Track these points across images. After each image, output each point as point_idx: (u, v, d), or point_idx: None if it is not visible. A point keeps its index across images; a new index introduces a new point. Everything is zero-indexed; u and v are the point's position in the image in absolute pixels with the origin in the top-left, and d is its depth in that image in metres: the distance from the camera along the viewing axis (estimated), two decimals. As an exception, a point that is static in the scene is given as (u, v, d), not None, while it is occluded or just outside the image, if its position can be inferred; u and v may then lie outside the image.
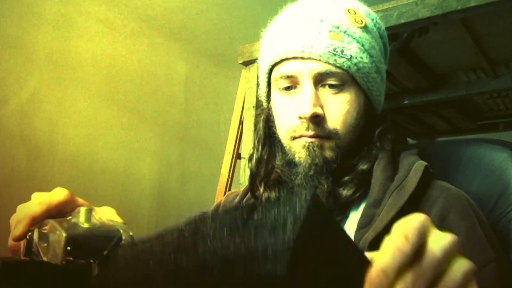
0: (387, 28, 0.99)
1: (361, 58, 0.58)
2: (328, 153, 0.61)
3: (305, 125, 0.60)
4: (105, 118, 2.74)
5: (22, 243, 0.55)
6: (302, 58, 0.59)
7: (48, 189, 0.62)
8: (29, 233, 0.54)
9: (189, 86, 3.42)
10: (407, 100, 1.64)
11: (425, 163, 0.63)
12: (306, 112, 0.59)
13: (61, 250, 0.49)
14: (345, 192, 0.61)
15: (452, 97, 1.57)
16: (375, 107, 0.66)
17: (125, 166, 2.86)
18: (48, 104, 2.41)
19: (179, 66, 3.06)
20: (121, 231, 0.53)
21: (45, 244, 0.51)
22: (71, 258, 0.49)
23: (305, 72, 0.59)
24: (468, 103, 1.77)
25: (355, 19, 0.60)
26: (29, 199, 0.60)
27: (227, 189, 1.82)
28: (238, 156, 1.74)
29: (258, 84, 0.75)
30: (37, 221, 0.52)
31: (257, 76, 0.89)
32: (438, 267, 0.29)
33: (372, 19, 0.67)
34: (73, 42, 2.57)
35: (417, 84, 1.53)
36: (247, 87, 1.63)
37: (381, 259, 0.29)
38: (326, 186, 0.60)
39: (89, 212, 0.54)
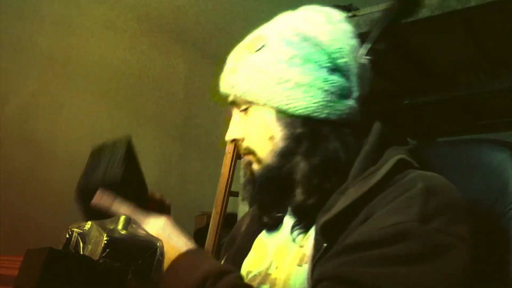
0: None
1: (248, 81, 0.64)
2: (255, 167, 0.68)
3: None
4: (105, 118, 2.75)
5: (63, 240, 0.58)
6: None
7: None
8: (69, 231, 0.57)
9: (189, 86, 3.42)
10: (407, 100, 1.64)
11: (401, 157, 0.61)
12: (226, 139, 0.70)
13: (100, 251, 0.51)
14: (298, 198, 0.64)
15: (452, 97, 1.57)
16: (307, 114, 0.64)
17: (125, 166, 2.86)
18: (48, 104, 2.42)
19: (179, 66, 3.06)
20: (158, 244, 0.56)
21: (83, 244, 0.54)
22: (107, 260, 0.51)
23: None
24: (468, 103, 1.77)
25: (250, 47, 0.67)
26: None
27: (227, 189, 1.82)
28: (238, 156, 1.75)
29: None
30: None
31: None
32: None
33: (296, 32, 0.66)
34: (73, 42, 2.57)
35: (417, 84, 1.53)
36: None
37: None
38: (270, 197, 0.66)
39: (128, 221, 0.58)
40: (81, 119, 2.60)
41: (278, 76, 0.63)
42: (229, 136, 0.70)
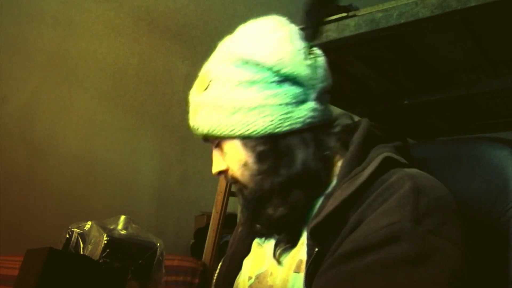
0: (387, 28, 1.00)
1: (207, 120, 0.66)
2: (245, 193, 0.69)
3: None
4: (105, 118, 2.75)
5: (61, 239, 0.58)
6: None
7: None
8: (69, 231, 0.57)
9: (189, 86, 3.42)
10: (407, 100, 1.64)
11: (387, 155, 0.60)
12: (213, 173, 0.72)
13: (100, 251, 0.51)
14: (272, 213, 0.65)
15: (452, 97, 1.57)
16: (269, 133, 0.64)
17: (125, 166, 2.86)
18: (48, 104, 2.42)
19: (179, 66, 3.06)
20: (158, 244, 0.56)
21: (83, 244, 0.55)
22: (107, 260, 0.51)
23: None
24: (468, 103, 1.77)
25: (200, 87, 0.69)
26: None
27: (227, 189, 1.82)
28: (238, 156, 1.74)
29: None
30: None
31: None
32: None
33: (235, 58, 0.66)
34: (73, 42, 2.57)
35: (417, 84, 1.53)
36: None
37: None
38: (262, 219, 0.67)
39: (128, 220, 0.58)
40: (81, 119, 2.60)
41: (231, 107, 0.64)
42: (214, 171, 0.72)
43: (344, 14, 1.06)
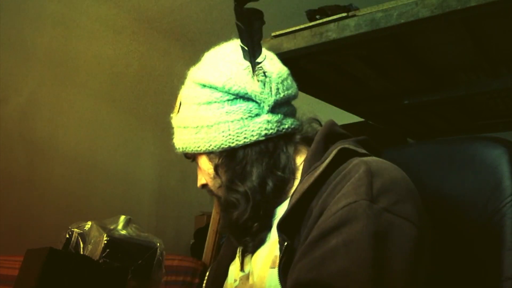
0: (387, 28, 1.00)
1: (180, 139, 0.75)
2: (220, 202, 0.75)
3: None
4: (105, 118, 2.75)
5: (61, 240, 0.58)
6: None
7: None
8: (69, 231, 0.57)
9: (189, 86, 3.42)
10: (407, 100, 1.64)
11: (343, 146, 0.64)
12: (198, 186, 0.79)
13: (100, 251, 0.52)
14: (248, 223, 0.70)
15: (452, 97, 1.57)
16: (227, 146, 0.70)
17: (125, 166, 2.86)
18: (48, 104, 2.42)
19: (179, 66, 3.06)
20: (157, 244, 0.57)
21: (83, 244, 0.55)
22: (107, 260, 0.52)
23: None
24: (468, 103, 1.77)
25: (175, 110, 0.79)
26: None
27: (227, 189, 1.81)
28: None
29: None
30: None
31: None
32: None
33: (196, 84, 0.74)
34: (73, 42, 2.57)
35: (417, 84, 1.53)
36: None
37: None
38: (231, 225, 0.71)
39: (128, 220, 0.58)
40: (81, 119, 2.60)
41: (194, 126, 0.72)
42: (198, 184, 0.79)
43: (344, 14, 1.06)
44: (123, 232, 0.56)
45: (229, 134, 0.69)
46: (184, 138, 0.74)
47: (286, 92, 0.72)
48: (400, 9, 0.98)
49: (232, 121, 0.69)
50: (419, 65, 1.35)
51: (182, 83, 0.78)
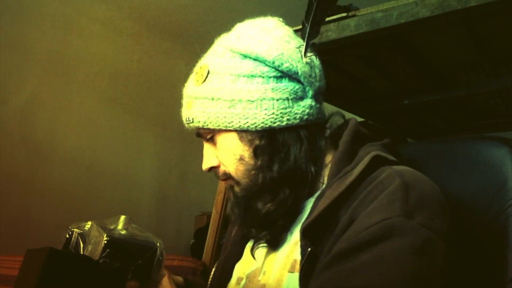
0: (387, 28, 0.99)
1: (203, 112, 0.66)
2: (237, 189, 0.69)
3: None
4: (105, 118, 2.75)
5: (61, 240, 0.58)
6: None
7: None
8: (69, 231, 0.57)
9: (189, 86, 3.42)
10: (407, 100, 1.64)
11: (376, 153, 0.61)
12: (203, 169, 0.71)
13: (100, 251, 0.52)
14: (263, 208, 0.65)
15: (452, 97, 1.57)
16: (268, 126, 0.65)
17: (125, 166, 2.86)
18: (48, 104, 2.42)
19: (179, 66, 3.06)
20: (158, 244, 0.56)
21: (83, 244, 0.55)
22: (107, 260, 0.52)
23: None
24: (468, 103, 1.77)
25: (197, 79, 0.68)
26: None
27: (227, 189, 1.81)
28: (238, 156, 1.74)
29: None
30: None
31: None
32: None
33: (233, 53, 0.67)
34: (73, 42, 2.57)
35: (417, 84, 1.53)
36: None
37: None
38: (251, 219, 0.66)
39: (128, 221, 0.58)
40: (81, 119, 2.60)
41: (229, 99, 0.64)
42: (205, 166, 0.71)
43: (344, 14, 1.06)
44: (123, 232, 0.56)
45: (273, 113, 0.63)
46: (211, 111, 0.66)
47: (324, 81, 0.70)
48: (400, 9, 0.97)
49: (276, 100, 0.64)
50: (419, 65, 1.35)
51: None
